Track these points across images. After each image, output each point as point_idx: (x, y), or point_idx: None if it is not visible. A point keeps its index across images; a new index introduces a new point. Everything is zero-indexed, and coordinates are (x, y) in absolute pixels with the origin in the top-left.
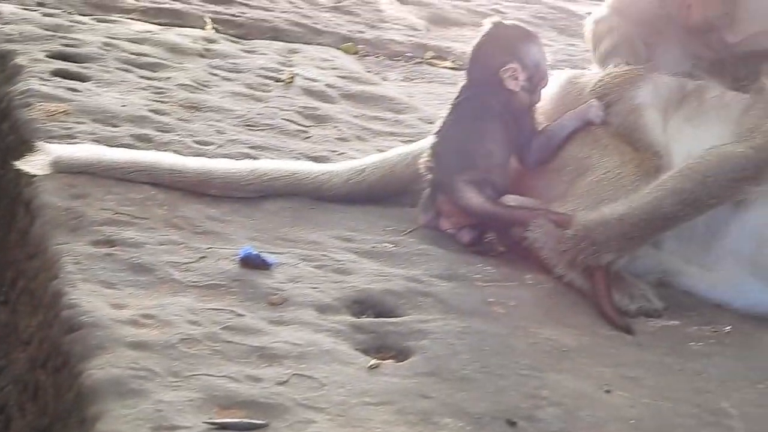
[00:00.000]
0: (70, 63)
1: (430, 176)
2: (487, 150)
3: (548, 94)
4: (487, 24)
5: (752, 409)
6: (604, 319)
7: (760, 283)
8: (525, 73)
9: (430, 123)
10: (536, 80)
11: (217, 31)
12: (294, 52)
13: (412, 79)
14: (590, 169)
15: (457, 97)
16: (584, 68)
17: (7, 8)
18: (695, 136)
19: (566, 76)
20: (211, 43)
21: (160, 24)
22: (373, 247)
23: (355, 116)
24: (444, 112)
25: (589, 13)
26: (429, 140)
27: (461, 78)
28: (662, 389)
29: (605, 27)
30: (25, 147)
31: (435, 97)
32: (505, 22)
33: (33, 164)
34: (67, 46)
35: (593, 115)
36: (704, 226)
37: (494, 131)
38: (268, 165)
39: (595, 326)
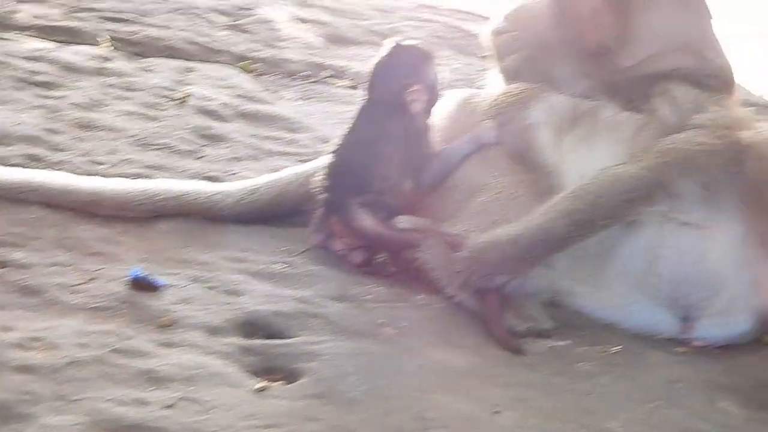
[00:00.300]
0: None
1: (324, 196)
2: (383, 173)
3: (444, 113)
4: (387, 44)
5: (639, 428)
6: (495, 340)
7: (650, 303)
8: (426, 95)
9: (326, 143)
10: (433, 101)
11: (114, 49)
12: (190, 70)
13: (309, 99)
14: (483, 189)
15: (356, 118)
16: (481, 87)
17: None
18: (588, 156)
19: (462, 95)
20: (106, 61)
21: (55, 41)
22: (265, 267)
23: (250, 135)
24: (341, 131)
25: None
26: (324, 160)
27: (360, 97)
28: (551, 410)
29: (508, 41)
30: None
31: (331, 117)
32: (405, 42)
33: None
34: None
35: (487, 137)
36: (596, 246)
37: (391, 154)
38: (161, 185)
39: (485, 347)
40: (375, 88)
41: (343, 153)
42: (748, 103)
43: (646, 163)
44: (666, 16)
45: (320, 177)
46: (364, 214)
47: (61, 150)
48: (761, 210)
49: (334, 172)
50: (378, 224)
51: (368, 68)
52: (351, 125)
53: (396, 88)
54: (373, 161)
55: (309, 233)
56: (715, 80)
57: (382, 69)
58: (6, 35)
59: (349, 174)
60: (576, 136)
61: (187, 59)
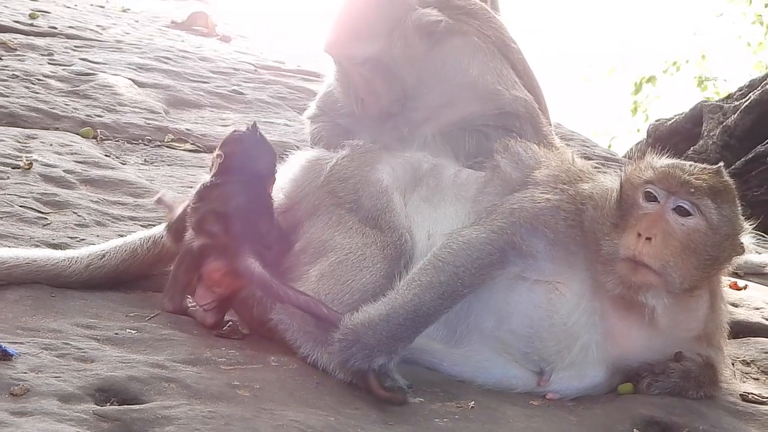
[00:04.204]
0: None
1: (203, 241)
2: (269, 226)
3: (289, 175)
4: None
5: None
6: (379, 401)
7: (502, 359)
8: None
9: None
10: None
11: None
12: (32, 137)
13: (152, 163)
14: (333, 250)
15: (231, 180)
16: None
17: None
18: (434, 216)
19: (306, 156)
20: None
21: None
22: (116, 333)
23: (95, 201)
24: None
25: None
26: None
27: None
28: None
29: (318, 129)
30: None
31: (175, 180)
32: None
33: None
34: None
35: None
36: None
37: (269, 214)
38: (7, 253)
39: (340, 405)
40: (245, 161)
41: (228, 198)
42: (593, 155)
43: (494, 224)
44: (445, 66)
45: (201, 218)
46: (253, 259)
47: None
48: (600, 258)
49: (222, 214)
50: (265, 273)
51: (235, 141)
52: (222, 174)
53: (267, 163)
54: (263, 214)
55: (161, 298)
56: (509, 117)
57: (250, 144)
58: None
59: (245, 220)
60: (420, 197)
61: (28, 126)
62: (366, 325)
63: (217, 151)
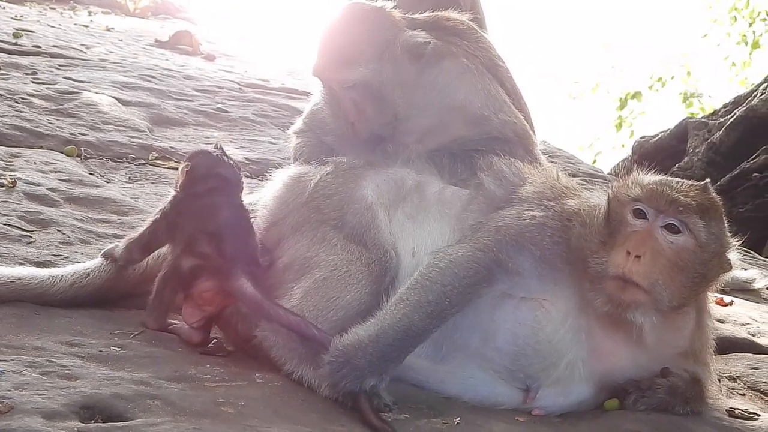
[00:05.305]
0: None
1: (194, 263)
2: (257, 246)
3: (272, 192)
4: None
5: None
6: (369, 427)
7: (488, 376)
8: None
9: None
10: None
11: None
12: (15, 156)
13: (137, 181)
14: (317, 267)
15: (194, 181)
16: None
17: None
18: (418, 233)
19: (289, 173)
20: None
21: None
22: (101, 351)
23: (79, 219)
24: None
25: None
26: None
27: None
28: None
29: (301, 145)
30: None
31: (160, 198)
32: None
33: None
34: None
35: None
36: None
37: (251, 232)
38: None
39: (326, 422)
40: (211, 170)
41: (222, 219)
42: (578, 172)
43: (480, 242)
44: (434, 89)
45: (195, 242)
46: (245, 279)
47: None
48: (588, 276)
49: (216, 233)
50: (257, 293)
51: (199, 154)
52: (207, 197)
53: (230, 171)
54: (251, 235)
55: (145, 315)
56: (497, 142)
57: (213, 155)
58: None
59: (237, 241)
60: (405, 214)
61: (12, 145)
62: (356, 346)
63: (182, 165)
